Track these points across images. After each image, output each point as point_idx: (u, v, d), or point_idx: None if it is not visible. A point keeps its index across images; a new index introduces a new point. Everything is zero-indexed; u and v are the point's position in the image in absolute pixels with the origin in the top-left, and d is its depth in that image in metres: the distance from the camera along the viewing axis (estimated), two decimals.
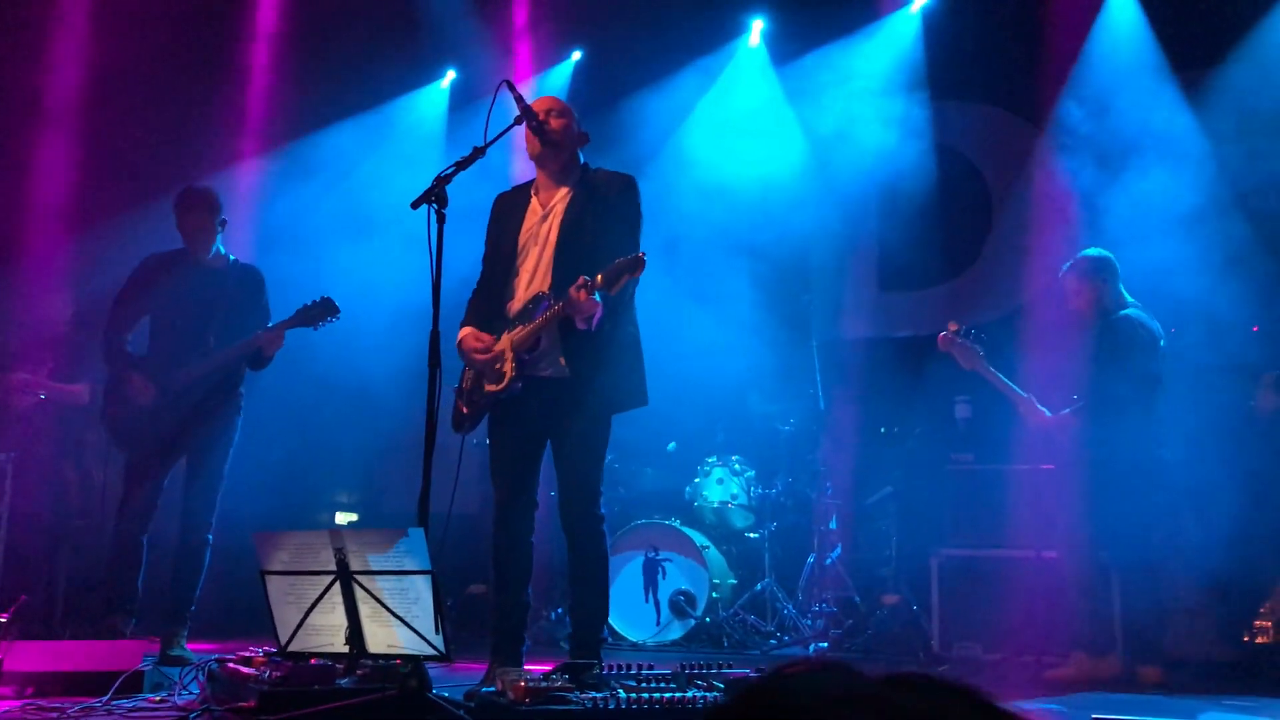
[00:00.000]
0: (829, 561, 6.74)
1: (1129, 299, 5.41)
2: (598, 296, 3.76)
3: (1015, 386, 5.52)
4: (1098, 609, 5.30)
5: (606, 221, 4.05)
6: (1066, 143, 6.85)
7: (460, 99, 8.62)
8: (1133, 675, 5.07)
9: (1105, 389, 5.26)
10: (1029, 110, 7.36)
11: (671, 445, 7.19)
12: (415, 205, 3.65)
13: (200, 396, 5.12)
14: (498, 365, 4.02)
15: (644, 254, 3.74)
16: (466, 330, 4.13)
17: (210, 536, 5.16)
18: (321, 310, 5.13)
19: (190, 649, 5.05)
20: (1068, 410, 5.42)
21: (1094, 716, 2.75)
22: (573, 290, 3.76)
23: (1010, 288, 7.21)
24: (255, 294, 5.32)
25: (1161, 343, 5.34)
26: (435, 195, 3.64)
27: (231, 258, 5.37)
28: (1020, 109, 7.49)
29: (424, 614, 3.20)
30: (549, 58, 8.45)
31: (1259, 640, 5.37)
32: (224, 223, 5.34)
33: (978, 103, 7.71)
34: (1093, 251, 5.49)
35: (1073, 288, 5.49)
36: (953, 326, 5.56)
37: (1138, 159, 6.49)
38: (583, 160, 4.25)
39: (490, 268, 4.26)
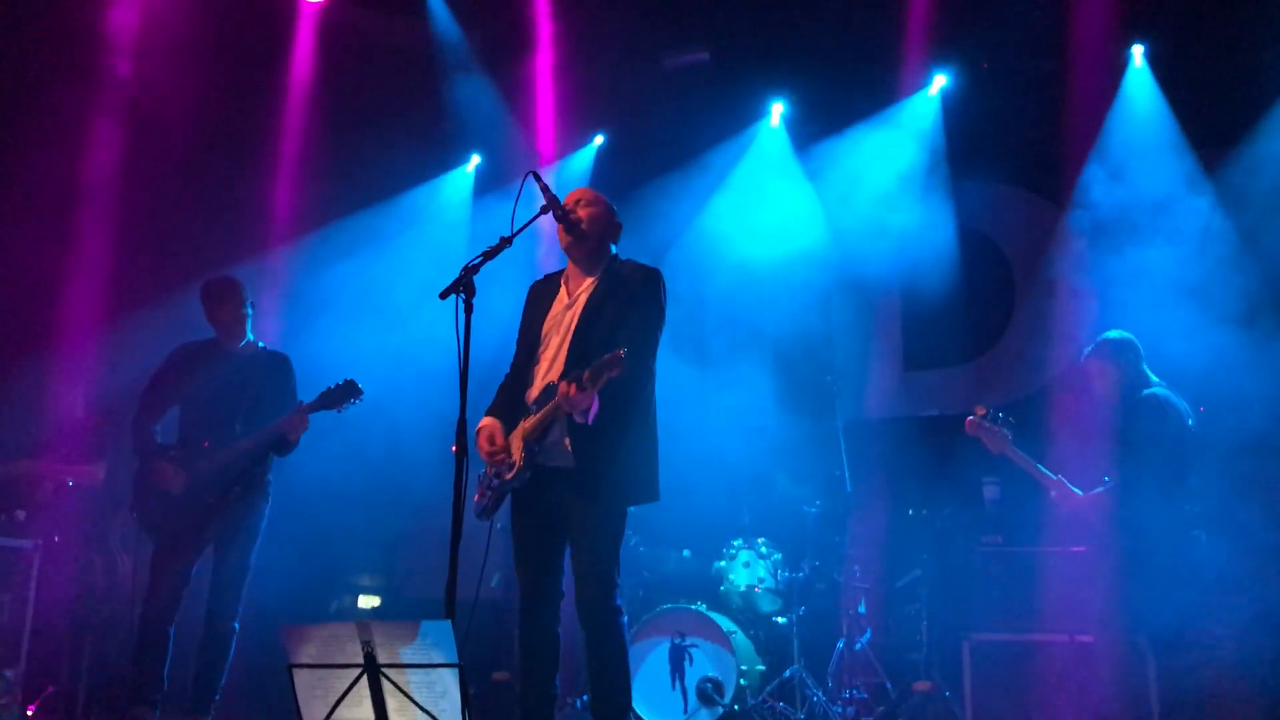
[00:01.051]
0: (859, 647, 6.63)
1: (1153, 378, 5.37)
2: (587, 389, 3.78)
3: (1044, 469, 5.47)
4: (1135, 693, 5.19)
5: (625, 313, 4.09)
6: (1088, 221, 6.88)
7: (485, 183, 8.75)
8: None
9: (1134, 470, 5.21)
10: (1050, 189, 7.40)
11: (686, 552, 7.15)
12: (444, 295, 3.69)
13: (227, 484, 5.14)
14: (508, 457, 4.03)
15: (624, 351, 3.75)
16: (485, 423, 4.16)
17: (236, 625, 5.14)
18: (345, 392, 5.17)
19: None
20: (1100, 490, 5.36)
21: None
22: (561, 385, 3.79)
23: (1035, 366, 7.19)
24: (283, 380, 5.37)
25: (1190, 421, 5.29)
26: (463, 285, 3.68)
27: (260, 344, 5.42)
28: (1041, 188, 7.53)
29: (451, 707, 3.17)
30: (572, 142, 8.57)
31: None
32: (250, 311, 5.41)
33: (998, 183, 7.75)
34: (1114, 334, 5.47)
35: (1095, 370, 5.47)
36: (979, 411, 5.53)
37: (1159, 237, 6.51)
38: (614, 251, 4.29)
39: (518, 356, 4.30)
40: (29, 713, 3.92)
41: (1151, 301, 6.18)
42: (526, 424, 4.04)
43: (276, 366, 5.39)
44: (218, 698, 5.07)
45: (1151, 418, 5.22)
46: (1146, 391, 5.30)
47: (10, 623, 5.89)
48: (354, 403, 5.16)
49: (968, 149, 7.64)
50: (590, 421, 3.86)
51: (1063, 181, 7.15)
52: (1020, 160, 7.53)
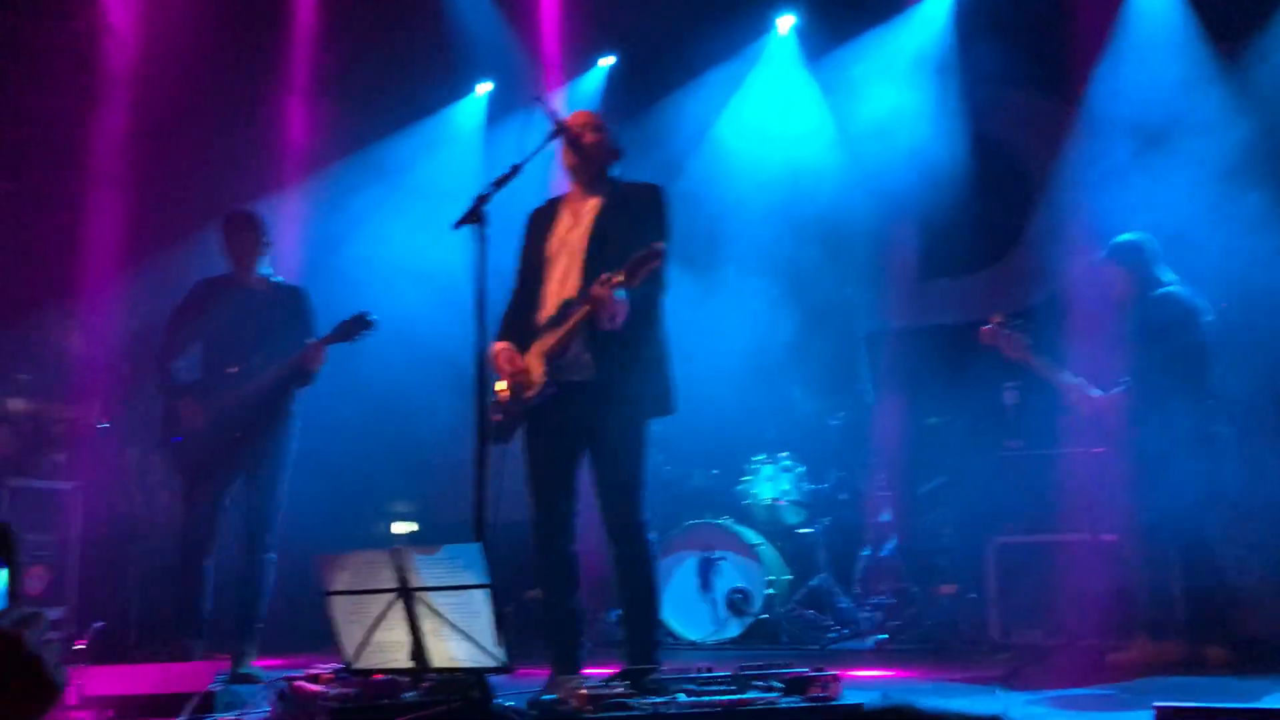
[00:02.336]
0: (884, 554, 6.74)
1: (1169, 277, 5.35)
2: (622, 294, 3.80)
3: (1063, 372, 5.48)
4: (1159, 591, 5.24)
5: (635, 226, 4.10)
6: (1102, 122, 6.78)
7: (497, 109, 8.70)
8: (1198, 657, 5.01)
9: (1150, 368, 5.22)
10: (1063, 90, 7.27)
11: (715, 471, 7.20)
12: (457, 226, 3.72)
13: (251, 417, 5.21)
14: (529, 374, 4.08)
15: (661, 244, 3.78)
16: (499, 346, 4.19)
17: (273, 555, 5.26)
18: (356, 325, 5.19)
19: (259, 666, 5.16)
20: (1119, 389, 5.38)
21: (1156, 705, 2.74)
22: (594, 287, 3.81)
23: (1053, 270, 7.13)
24: (300, 313, 5.41)
25: (1208, 317, 5.27)
26: (476, 215, 3.71)
27: (277, 279, 5.47)
28: (1054, 89, 7.41)
29: (484, 627, 3.26)
30: (581, 64, 8.50)
31: None
32: (269, 244, 5.45)
33: (1011, 86, 7.63)
34: (1127, 236, 5.44)
35: (1109, 274, 5.46)
36: (995, 318, 5.53)
37: (1176, 134, 6.42)
38: (615, 174, 4.31)
39: (522, 280, 4.33)
40: (78, 648, 4.06)
41: (1169, 201, 6.11)
42: (545, 341, 4.08)
43: (293, 299, 5.44)
44: (260, 627, 5.22)
45: (1165, 316, 5.22)
46: (1160, 291, 5.29)
47: (58, 562, 6.06)
48: (366, 334, 5.20)
49: (979, 53, 7.51)
50: (618, 326, 3.89)
51: (1076, 81, 7.04)
52: (1032, 62, 7.38)
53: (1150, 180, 6.32)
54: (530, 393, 4.07)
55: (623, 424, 4.07)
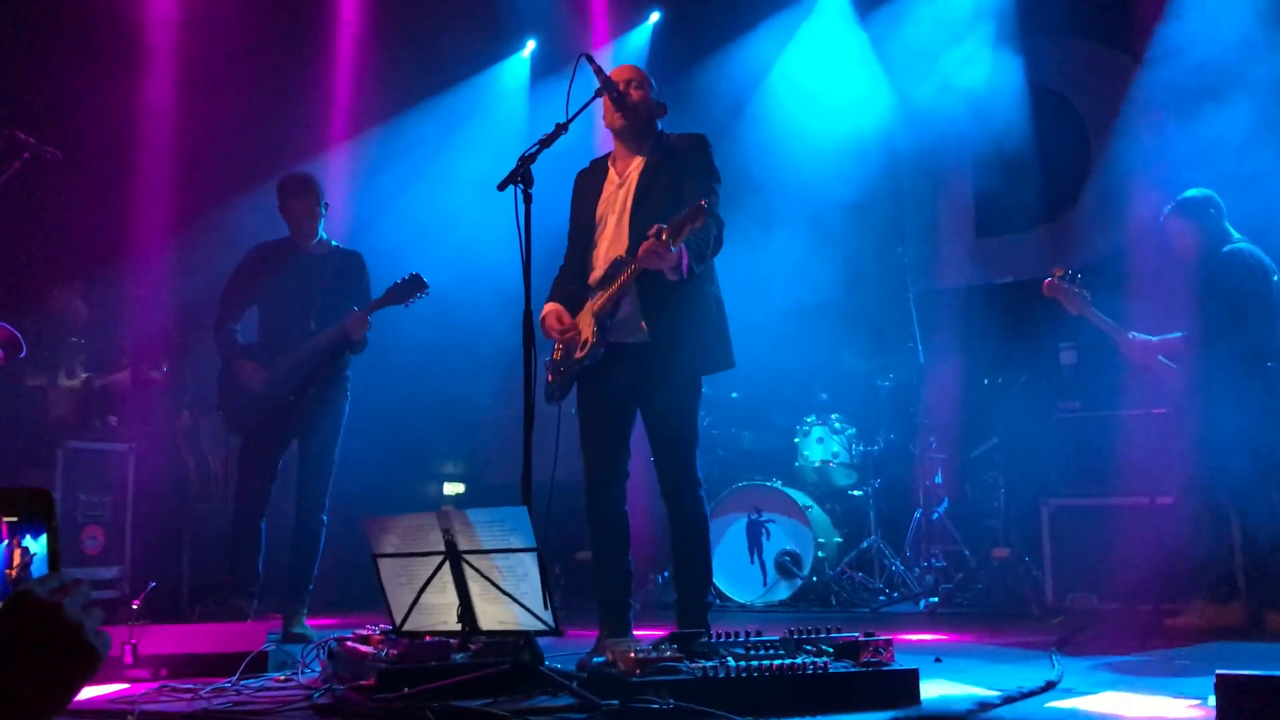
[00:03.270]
0: (936, 516, 6.67)
1: (1235, 234, 5.21)
2: (673, 248, 3.75)
3: (1120, 327, 5.36)
4: (1218, 554, 5.14)
5: (680, 180, 4.06)
6: (1166, 75, 6.58)
7: (541, 69, 8.64)
8: (1259, 621, 4.92)
9: (1215, 326, 5.09)
10: (1125, 42, 7.09)
11: (734, 394, 7.13)
12: (502, 187, 3.68)
13: (306, 381, 5.24)
14: (579, 335, 4.05)
15: (705, 202, 3.71)
16: (549, 307, 4.18)
17: (325, 517, 5.30)
18: (411, 287, 5.19)
19: (310, 626, 5.22)
20: (1174, 335, 5.26)
21: (1219, 673, 2.66)
22: (644, 245, 3.75)
23: (1112, 227, 6.99)
24: (356, 278, 5.41)
25: (1275, 276, 5.13)
26: (521, 175, 3.66)
27: (334, 243, 5.48)
28: (1116, 41, 7.21)
29: (532, 590, 3.25)
30: (627, 21, 8.40)
31: None
32: (327, 207, 5.46)
33: (1071, 38, 7.45)
34: (1194, 192, 5.30)
35: (1176, 229, 5.32)
36: (1058, 272, 5.42)
37: (1241, 89, 6.21)
38: (660, 128, 4.24)
39: (572, 242, 4.31)
40: (134, 607, 4.11)
41: (1233, 157, 5.93)
42: (596, 301, 4.05)
43: (350, 265, 5.44)
44: (311, 588, 5.27)
45: (1233, 273, 5.10)
46: (1228, 248, 5.16)
47: (112, 523, 6.15)
48: (421, 296, 5.19)
49: (1037, 3, 7.33)
50: (685, 274, 3.83)
51: (1139, 33, 6.83)
52: (1093, 12, 7.20)
53: (1213, 136, 6.14)
54: (581, 354, 4.05)
55: (675, 383, 4.04)
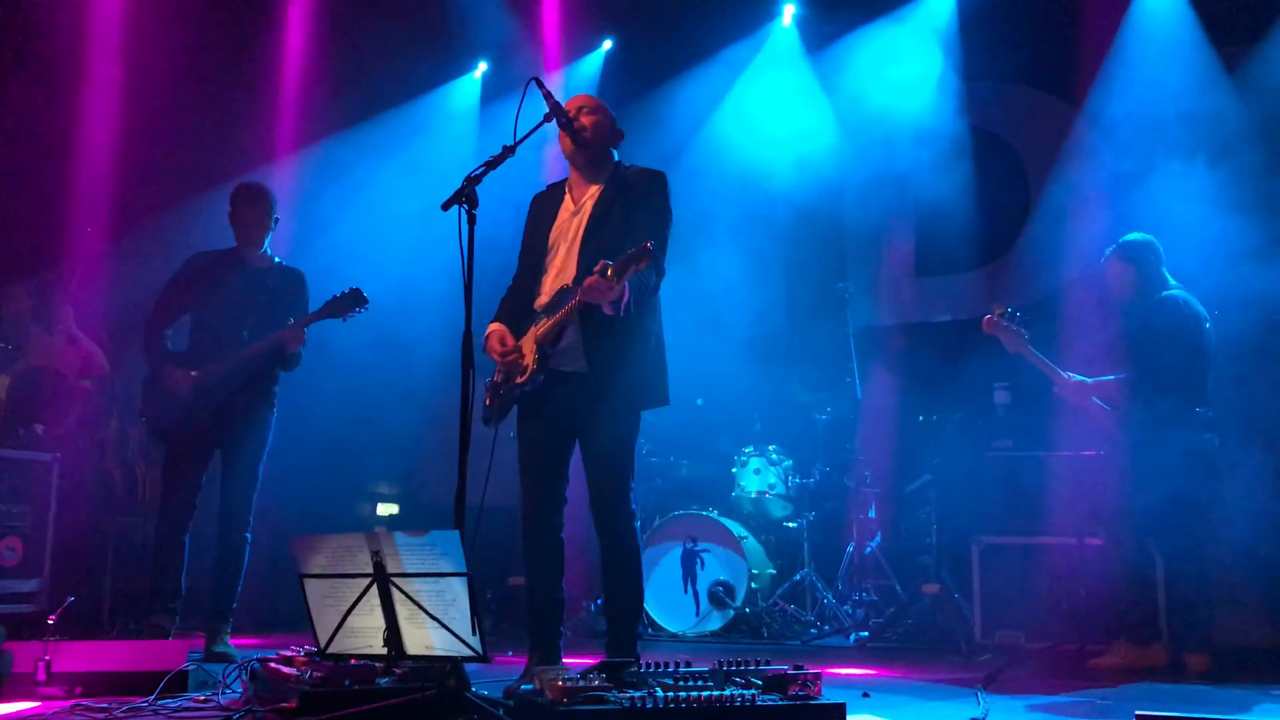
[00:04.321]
0: (869, 550, 6.71)
1: (1172, 281, 5.32)
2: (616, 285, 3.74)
3: (1056, 367, 5.45)
4: (1143, 596, 5.24)
5: (633, 215, 4.06)
6: (1105, 122, 6.75)
7: (492, 90, 8.64)
8: (1179, 664, 5.00)
9: (1149, 371, 5.18)
10: (1066, 89, 7.25)
11: (700, 400, 7.14)
12: (446, 207, 3.65)
13: (232, 394, 5.13)
14: (521, 359, 4.03)
15: (651, 244, 3.73)
16: (493, 328, 4.16)
17: (249, 535, 5.20)
18: (350, 302, 5.11)
19: (234, 645, 5.11)
20: (1109, 378, 5.35)
21: (1138, 714, 2.70)
22: (587, 279, 3.76)
23: (1050, 269, 7.12)
24: (295, 296, 5.33)
25: (1207, 325, 5.25)
26: (465, 196, 3.64)
27: (277, 259, 5.40)
28: (1057, 88, 7.38)
29: (461, 615, 3.21)
30: (580, 48, 8.43)
31: None
32: (276, 221, 5.38)
33: (1013, 82, 7.61)
34: (1134, 236, 5.40)
35: (1114, 272, 5.41)
36: (998, 309, 5.50)
37: (1178, 137, 6.39)
38: (616, 158, 4.25)
39: (522, 265, 4.29)
40: (50, 622, 3.99)
41: (1170, 203, 6.08)
42: (540, 327, 4.04)
43: (290, 281, 5.36)
44: (235, 606, 5.16)
45: (1169, 320, 5.19)
46: (1165, 294, 5.26)
47: (32, 534, 5.98)
48: (359, 311, 5.12)
49: (982, 48, 7.48)
50: (623, 312, 3.84)
51: (1080, 80, 7.00)
52: (1036, 59, 7.36)
53: (1149, 182, 6.29)
54: (521, 379, 4.03)
55: (614, 415, 4.03)
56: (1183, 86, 6.60)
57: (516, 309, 4.21)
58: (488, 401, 4.19)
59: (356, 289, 5.13)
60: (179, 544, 5.12)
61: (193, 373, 5.12)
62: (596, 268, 3.74)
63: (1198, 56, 6.71)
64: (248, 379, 5.16)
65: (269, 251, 5.39)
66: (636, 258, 3.69)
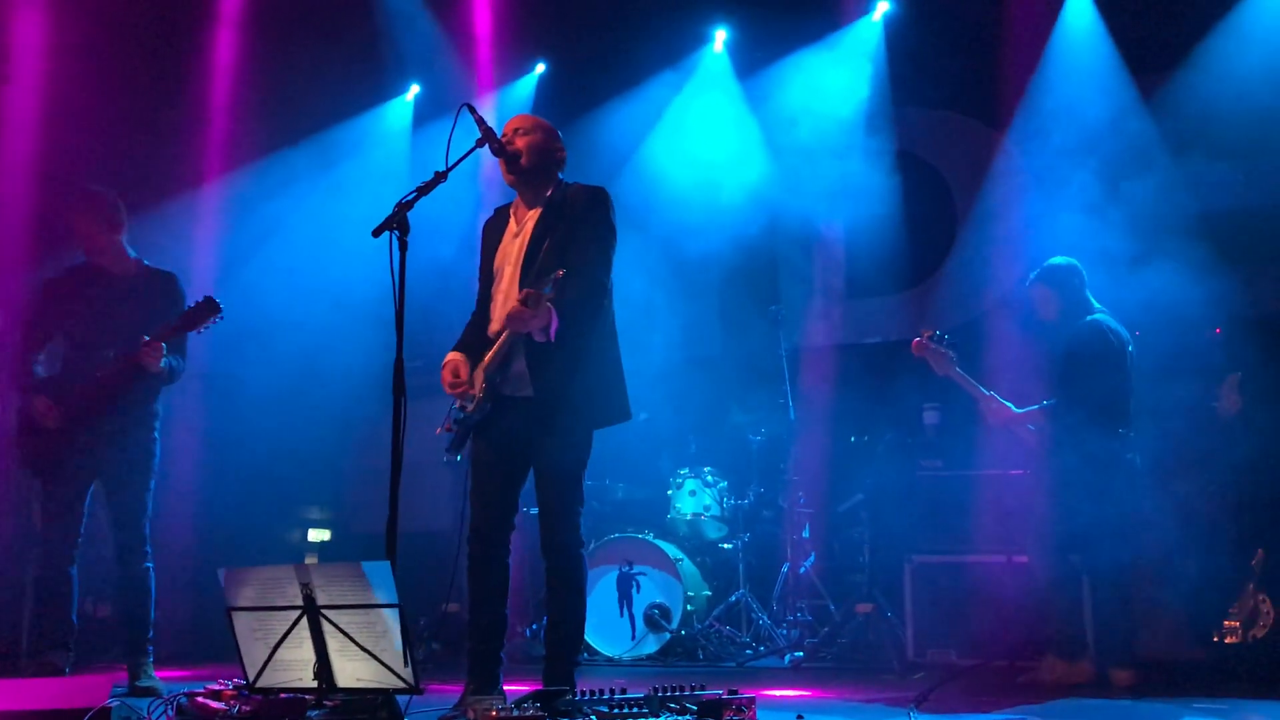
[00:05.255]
0: (803, 570, 6.76)
1: (1095, 304, 5.44)
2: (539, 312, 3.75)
3: (983, 388, 5.54)
4: (1069, 612, 5.32)
5: (573, 233, 4.04)
6: (1029, 148, 6.91)
7: (425, 112, 8.60)
8: (1105, 678, 5.09)
9: (1073, 393, 5.29)
10: (990, 115, 7.42)
11: (644, 415, 7.13)
12: (377, 233, 3.62)
13: (104, 418, 4.87)
14: (471, 389, 4.01)
15: (562, 271, 3.73)
16: (450, 357, 4.11)
17: (149, 565, 4.96)
18: (205, 311, 4.84)
19: (159, 678, 4.98)
20: (1036, 407, 5.45)
21: None
22: (509, 308, 3.76)
23: (976, 292, 7.27)
24: (168, 300, 5.00)
25: (1129, 348, 5.37)
26: (397, 222, 3.62)
27: (145, 262, 5.11)
28: (982, 114, 7.54)
29: (392, 646, 3.18)
30: (513, 70, 8.43)
31: (1228, 640, 5.41)
32: (120, 225, 5.05)
33: (939, 108, 7.77)
34: (1058, 260, 5.51)
35: (1040, 296, 5.52)
36: (926, 332, 5.59)
37: (1099, 162, 6.55)
38: (560, 176, 4.23)
39: (481, 292, 4.27)
40: None
41: (1090, 227, 6.23)
42: (487, 356, 4.01)
43: (159, 286, 5.03)
44: (152, 634, 4.96)
45: (1092, 344, 5.29)
46: (1089, 318, 5.37)
47: None
48: (215, 321, 4.85)
49: (909, 75, 7.62)
50: (552, 338, 3.83)
51: (1003, 107, 7.17)
52: (961, 86, 7.52)
53: (1072, 206, 6.45)
54: (470, 408, 4.00)
55: (562, 440, 4.00)
56: (1103, 112, 6.77)
57: (476, 337, 4.18)
58: (449, 428, 4.11)
59: (210, 298, 4.86)
60: (64, 578, 4.87)
61: (52, 403, 4.83)
62: (520, 295, 3.74)
63: (1117, 83, 6.90)
64: (115, 399, 4.88)
65: (134, 255, 5.09)
66: (552, 282, 3.70)
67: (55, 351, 5.10)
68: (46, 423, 4.87)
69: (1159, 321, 5.84)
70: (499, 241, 4.20)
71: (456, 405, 4.11)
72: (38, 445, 4.95)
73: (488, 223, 4.36)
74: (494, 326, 4.08)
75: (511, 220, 4.22)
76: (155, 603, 5.01)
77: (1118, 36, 6.97)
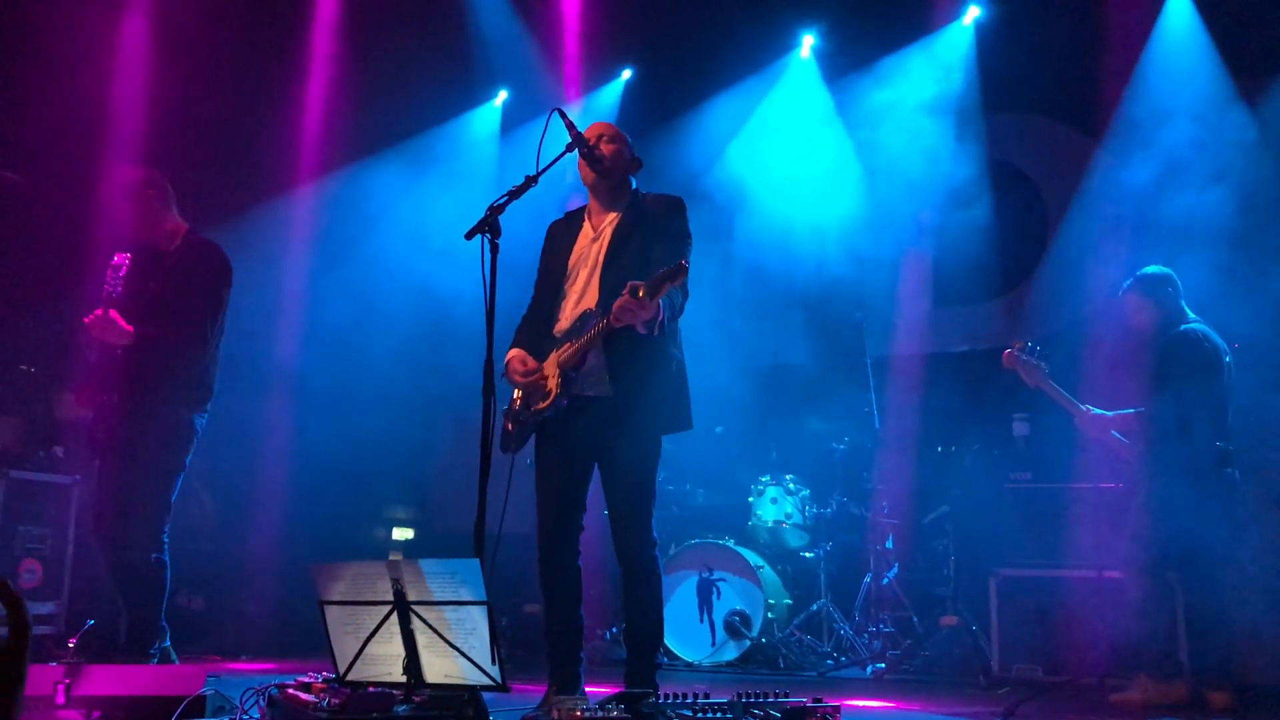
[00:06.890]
0: (885, 581, 6.68)
1: (1191, 314, 5.31)
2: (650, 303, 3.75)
3: (1075, 400, 5.44)
4: (1163, 631, 5.20)
5: (654, 240, 4.07)
6: (1124, 154, 6.76)
7: (513, 118, 8.71)
8: (1201, 700, 4.96)
9: (1170, 406, 5.16)
10: (1085, 122, 7.27)
11: (719, 429, 7.12)
12: (469, 236, 3.67)
13: (109, 395, 4.70)
14: (543, 384, 4.03)
15: (686, 261, 3.74)
16: (513, 352, 4.16)
17: (158, 556, 4.65)
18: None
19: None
20: (1129, 410, 5.33)
21: None
22: (619, 301, 3.76)
23: (1068, 301, 7.12)
24: (199, 274, 4.76)
25: (1226, 358, 5.23)
26: (488, 225, 3.66)
27: (195, 234, 4.90)
28: (1076, 121, 7.40)
29: (480, 644, 3.20)
30: (599, 77, 8.49)
31: None
32: (155, 199, 4.87)
33: (1032, 115, 7.64)
34: (1153, 269, 5.40)
35: (1134, 305, 5.41)
36: (1017, 344, 5.51)
37: (1197, 169, 6.39)
38: (634, 185, 4.27)
39: (540, 292, 4.30)
40: (70, 645, 4.00)
41: (1188, 236, 6.07)
42: (562, 352, 4.03)
43: (192, 259, 4.78)
44: (150, 635, 4.70)
45: (1188, 353, 5.18)
46: (1184, 327, 5.25)
47: (52, 557, 6.00)
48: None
49: (1000, 81, 7.51)
50: (657, 331, 3.84)
51: (1098, 113, 7.03)
52: (1054, 92, 7.39)
53: (1169, 214, 6.29)
54: (543, 404, 4.02)
55: (636, 441, 4.01)
56: (1201, 120, 6.60)
57: (534, 334, 4.21)
58: (508, 428, 4.18)
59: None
60: (160, 565, 4.64)
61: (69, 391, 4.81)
62: (626, 289, 3.74)
63: (1217, 90, 6.71)
64: (129, 375, 4.65)
65: (188, 227, 4.90)
66: (670, 275, 3.69)
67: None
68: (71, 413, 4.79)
69: (1259, 332, 5.67)
70: (570, 244, 4.22)
71: (516, 404, 4.13)
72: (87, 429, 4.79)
73: (555, 225, 4.38)
74: (563, 326, 4.11)
75: (586, 224, 4.25)
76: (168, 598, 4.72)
77: (1218, 39, 6.79)
